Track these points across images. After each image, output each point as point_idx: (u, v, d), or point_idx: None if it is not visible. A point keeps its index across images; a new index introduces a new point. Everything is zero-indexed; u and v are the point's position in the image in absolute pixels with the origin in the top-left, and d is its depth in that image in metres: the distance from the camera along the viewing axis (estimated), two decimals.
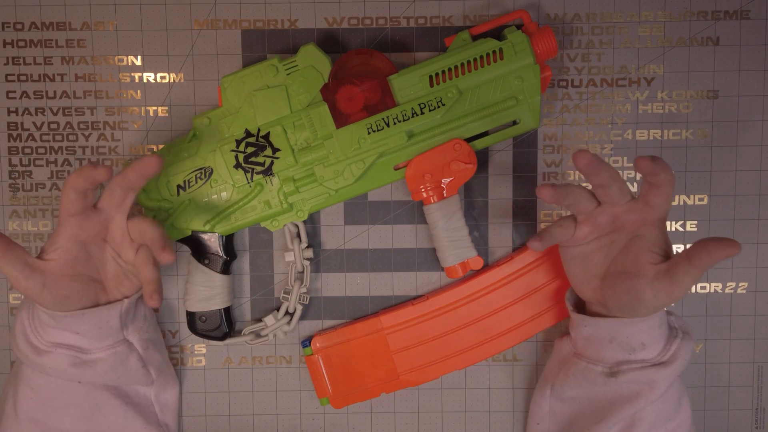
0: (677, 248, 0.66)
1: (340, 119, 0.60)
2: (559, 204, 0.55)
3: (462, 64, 0.60)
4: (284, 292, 0.65)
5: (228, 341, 0.65)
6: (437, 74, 0.60)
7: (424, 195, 0.62)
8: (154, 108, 0.66)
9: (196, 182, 0.61)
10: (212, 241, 0.63)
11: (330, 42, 0.65)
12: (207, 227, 0.62)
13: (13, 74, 0.65)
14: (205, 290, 0.63)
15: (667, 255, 0.54)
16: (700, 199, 0.66)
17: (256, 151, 0.61)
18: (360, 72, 0.60)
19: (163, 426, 0.64)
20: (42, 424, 0.59)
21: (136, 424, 0.61)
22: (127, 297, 0.59)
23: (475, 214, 0.66)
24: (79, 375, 0.58)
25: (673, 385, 0.58)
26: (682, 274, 0.51)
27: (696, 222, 0.66)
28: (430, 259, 0.67)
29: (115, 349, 0.59)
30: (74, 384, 0.59)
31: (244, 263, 0.67)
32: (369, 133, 0.60)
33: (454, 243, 0.62)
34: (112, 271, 0.58)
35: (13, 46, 0.65)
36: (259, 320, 0.67)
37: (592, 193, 0.56)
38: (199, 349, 0.67)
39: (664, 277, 0.52)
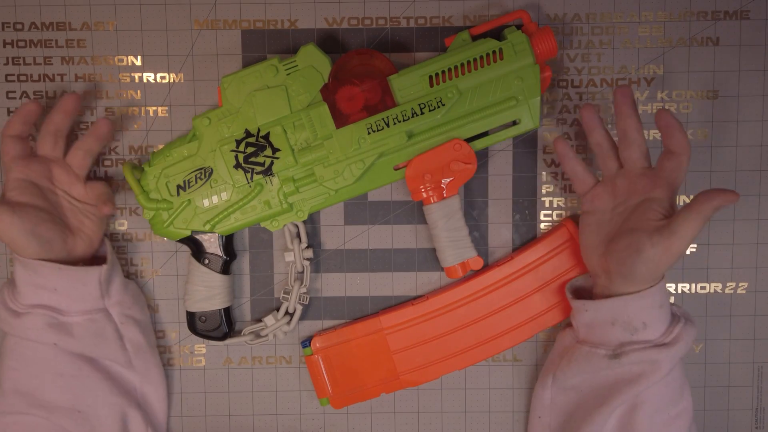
0: None
1: (340, 119, 0.60)
2: (565, 164, 0.61)
3: (462, 65, 0.60)
4: (284, 292, 0.65)
5: (228, 341, 0.65)
6: (437, 74, 0.60)
7: (424, 195, 0.62)
8: (154, 108, 0.66)
9: (196, 182, 0.61)
10: (212, 241, 0.63)
11: (330, 42, 0.65)
12: (207, 227, 0.62)
13: (13, 74, 0.65)
14: (205, 290, 0.63)
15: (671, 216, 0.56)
16: None
17: (256, 151, 0.61)
18: (360, 72, 0.60)
19: (147, 415, 0.64)
20: (27, 395, 0.59)
21: (121, 401, 0.62)
22: (102, 259, 0.62)
23: (475, 214, 0.66)
24: (55, 337, 0.59)
25: (676, 370, 0.58)
26: (681, 222, 0.53)
27: None
28: (430, 259, 0.67)
29: (92, 315, 0.60)
30: (55, 351, 0.59)
31: (244, 263, 0.67)
32: (369, 134, 0.60)
33: (454, 243, 0.62)
34: (69, 210, 0.61)
35: (13, 46, 0.65)
36: (259, 320, 0.67)
37: (594, 174, 0.61)
38: (199, 349, 0.67)
39: (664, 229, 0.54)
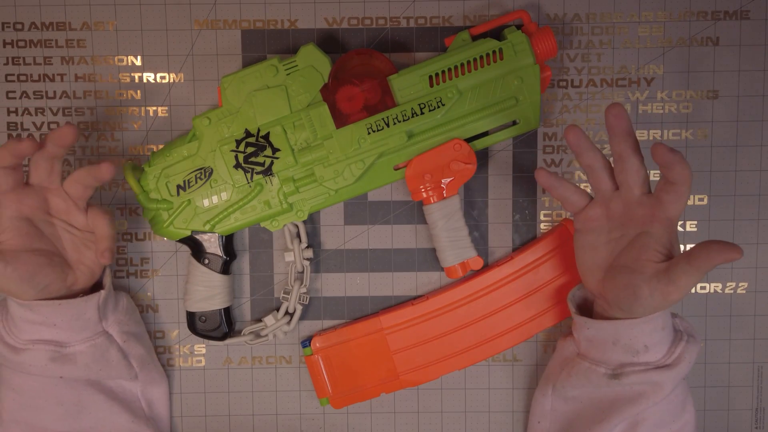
0: None
1: (340, 119, 0.60)
2: (552, 193, 0.57)
3: (462, 64, 0.60)
4: (284, 292, 0.65)
5: (228, 341, 0.65)
6: (437, 74, 0.60)
7: (424, 195, 0.62)
8: (154, 108, 0.66)
9: (196, 182, 0.61)
10: (212, 241, 0.63)
11: (330, 42, 0.65)
12: (207, 227, 0.62)
13: (13, 74, 0.65)
14: (205, 290, 0.63)
15: (671, 256, 0.54)
16: (700, 199, 0.66)
17: (255, 151, 0.61)
18: (360, 72, 0.60)
19: (152, 420, 0.64)
20: (27, 425, 0.58)
21: (123, 418, 0.61)
22: (98, 283, 0.61)
23: (475, 214, 0.66)
24: (60, 370, 0.57)
25: (678, 386, 0.58)
26: (680, 274, 0.51)
27: (696, 222, 0.66)
28: (430, 259, 0.67)
29: (94, 341, 0.59)
30: (55, 381, 0.58)
31: (244, 263, 0.67)
32: (369, 134, 0.60)
33: (454, 243, 0.62)
34: (69, 242, 0.58)
35: (13, 46, 0.65)
36: (259, 320, 0.67)
37: (586, 193, 0.57)
38: (199, 349, 0.67)
39: (663, 276, 0.52)
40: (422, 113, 0.60)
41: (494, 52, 0.60)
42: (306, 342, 0.66)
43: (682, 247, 0.66)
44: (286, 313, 0.66)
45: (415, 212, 0.66)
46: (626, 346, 0.56)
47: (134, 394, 0.63)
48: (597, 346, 0.58)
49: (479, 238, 0.66)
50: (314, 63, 0.60)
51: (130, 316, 0.63)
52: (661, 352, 0.56)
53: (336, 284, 0.67)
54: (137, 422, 0.62)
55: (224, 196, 0.62)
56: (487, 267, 0.66)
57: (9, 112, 0.65)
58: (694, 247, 0.51)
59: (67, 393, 0.59)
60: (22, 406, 0.58)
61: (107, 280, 0.61)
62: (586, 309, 0.61)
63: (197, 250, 0.63)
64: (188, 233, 0.62)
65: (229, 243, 0.64)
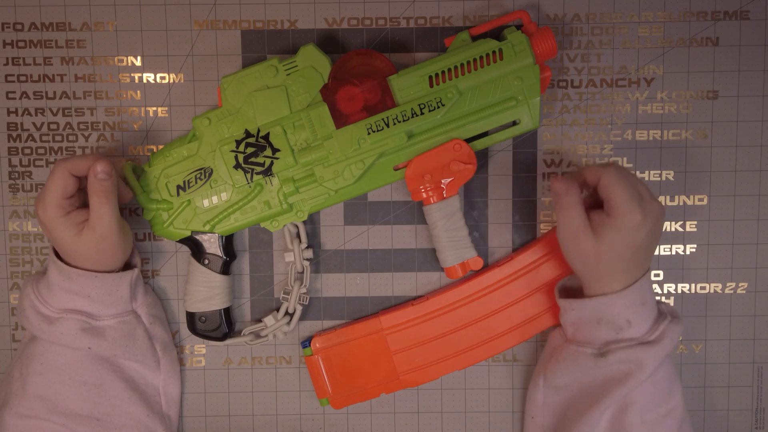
0: (677, 248, 0.66)
1: (340, 119, 0.60)
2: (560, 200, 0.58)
3: (462, 65, 0.60)
4: (284, 293, 0.65)
5: (228, 342, 0.65)
6: (437, 74, 0.60)
7: (424, 195, 0.62)
8: (154, 108, 0.66)
9: (196, 182, 0.61)
10: (212, 241, 0.63)
11: (330, 42, 0.65)
12: (207, 227, 0.62)
13: (13, 74, 0.65)
14: (205, 290, 0.63)
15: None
16: (700, 199, 0.66)
17: (255, 151, 0.61)
18: (360, 72, 0.60)
19: (166, 417, 0.65)
20: (48, 401, 0.59)
21: (139, 410, 0.62)
22: (135, 266, 0.63)
23: (475, 214, 0.66)
24: (90, 341, 0.59)
25: (663, 368, 0.59)
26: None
27: (696, 222, 0.66)
28: (430, 259, 0.67)
29: (123, 318, 0.61)
30: (83, 357, 0.60)
31: (244, 263, 0.67)
32: (369, 134, 0.60)
33: (454, 243, 0.62)
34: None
35: (13, 47, 0.65)
36: (259, 321, 0.67)
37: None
38: (199, 350, 0.67)
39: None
40: (422, 113, 0.60)
41: (494, 52, 0.60)
42: (306, 342, 0.66)
43: (682, 247, 0.66)
44: (286, 313, 0.66)
45: (415, 212, 0.66)
46: (610, 323, 0.58)
47: (155, 388, 0.64)
48: (582, 327, 0.59)
49: (479, 239, 0.66)
50: (314, 63, 0.60)
51: (157, 301, 0.65)
52: (644, 328, 0.58)
53: (336, 284, 0.67)
54: (152, 417, 0.63)
55: (224, 196, 0.62)
56: (487, 267, 0.66)
57: (9, 112, 0.65)
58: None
59: (91, 371, 0.60)
60: (48, 382, 0.59)
61: (137, 261, 0.63)
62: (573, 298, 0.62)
63: (197, 250, 0.63)
64: (188, 234, 0.62)
65: (229, 243, 0.64)
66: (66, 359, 0.60)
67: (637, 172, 0.66)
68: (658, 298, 0.65)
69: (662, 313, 0.59)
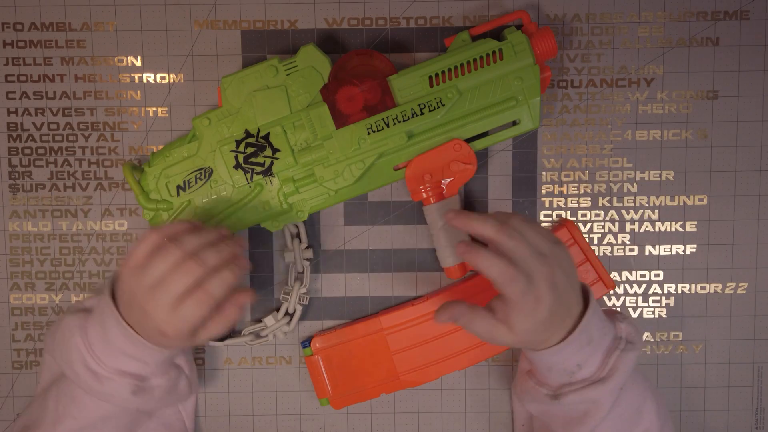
0: (677, 249, 0.66)
1: (340, 120, 0.60)
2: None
3: (462, 65, 0.60)
4: (284, 293, 0.65)
5: (228, 342, 0.65)
6: (437, 74, 0.60)
7: (424, 195, 0.62)
8: (154, 108, 0.66)
9: (196, 183, 0.61)
10: None
11: (330, 42, 0.65)
12: None
13: (13, 74, 0.65)
14: None
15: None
16: (700, 199, 0.66)
17: (255, 151, 0.61)
18: (360, 72, 0.60)
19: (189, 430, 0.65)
20: None
21: None
22: None
23: None
24: (138, 402, 0.56)
25: (628, 393, 0.56)
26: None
27: (696, 222, 0.66)
28: (430, 259, 0.67)
29: (170, 374, 0.58)
30: (123, 412, 0.58)
31: None
32: (369, 134, 0.60)
33: (454, 243, 0.62)
34: None
35: (13, 47, 0.65)
36: (259, 321, 0.67)
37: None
38: (199, 350, 0.67)
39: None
40: (422, 113, 0.60)
41: (494, 52, 0.60)
42: (306, 342, 0.66)
43: (682, 247, 0.66)
44: (286, 313, 0.66)
45: (415, 212, 0.66)
46: (561, 369, 0.55)
47: (176, 409, 0.64)
48: (537, 371, 0.58)
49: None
50: (314, 63, 0.60)
51: None
52: (595, 366, 0.55)
53: (336, 285, 0.67)
54: None
55: (224, 196, 0.62)
56: None
57: (9, 112, 0.65)
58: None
59: (127, 421, 0.59)
60: (80, 428, 0.57)
61: None
62: None
63: None
64: None
65: None
66: (105, 412, 0.57)
67: (637, 173, 0.66)
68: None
69: (617, 339, 0.57)
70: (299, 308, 0.65)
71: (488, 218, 0.53)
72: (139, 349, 0.54)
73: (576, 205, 0.66)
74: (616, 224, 0.66)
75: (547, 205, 0.66)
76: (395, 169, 0.62)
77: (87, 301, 0.58)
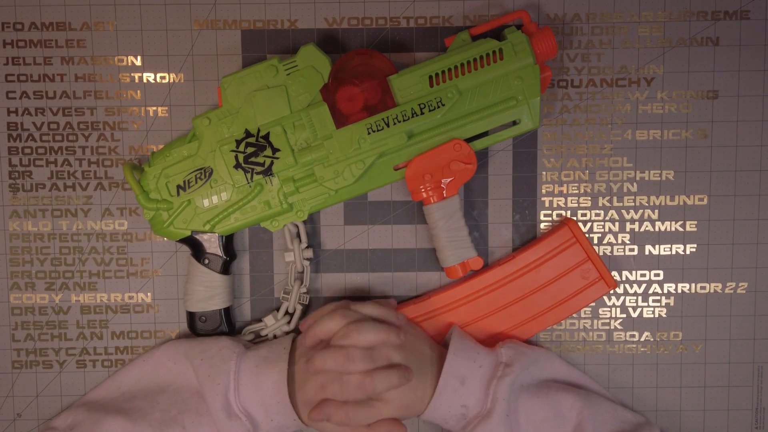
0: (677, 248, 0.66)
1: (340, 119, 0.60)
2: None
3: (462, 65, 0.60)
4: (284, 293, 0.65)
5: None
6: (437, 74, 0.60)
7: (424, 195, 0.62)
8: (154, 108, 0.66)
9: (196, 182, 0.61)
10: (212, 241, 0.63)
11: (330, 42, 0.65)
12: (207, 227, 0.62)
13: (13, 74, 0.65)
14: (205, 290, 0.63)
15: None
16: (700, 199, 0.66)
17: (255, 151, 0.61)
18: (360, 72, 0.60)
19: None
20: None
21: None
22: None
23: (475, 214, 0.66)
24: None
25: (534, 411, 0.58)
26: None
27: (696, 222, 0.66)
28: (430, 259, 0.67)
29: (277, 421, 0.60)
30: None
31: (244, 263, 0.67)
32: (369, 134, 0.60)
33: (454, 243, 0.62)
34: None
35: (13, 46, 0.65)
36: (259, 320, 0.67)
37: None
38: None
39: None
40: (422, 113, 0.60)
41: (494, 52, 0.60)
42: None
43: (681, 246, 0.66)
44: (286, 313, 0.66)
45: (415, 212, 0.66)
46: (452, 416, 0.58)
47: None
48: (443, 428, 0.61)
49: (479, 238, 0.66)
50: (314, 63, 0.60)
51: None
52: (479, 401, 0.58)
53: (336, 284, 0.67)
54: None
55: (224, 196, 0.62)
56: (487, 267, 0.66)
57: (9, 112, 0.65)
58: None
59: None
60: None
61: None
62: None
63: (197, 250, 0.63)
64: (188, 233, 0.62)
65: (229, 243, 0.64)
66: None
67: (637, 172, 0.66)
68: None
69: (498, 365, 0.59)
70: (299, 308, 0.65)
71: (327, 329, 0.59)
72: (279, 408, 0.58)
73: (576, 205, 0.66)
74: (616, 224, 0.66)
75: (547, 204, 0.66)
76: (395, 169, 0.62)
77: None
